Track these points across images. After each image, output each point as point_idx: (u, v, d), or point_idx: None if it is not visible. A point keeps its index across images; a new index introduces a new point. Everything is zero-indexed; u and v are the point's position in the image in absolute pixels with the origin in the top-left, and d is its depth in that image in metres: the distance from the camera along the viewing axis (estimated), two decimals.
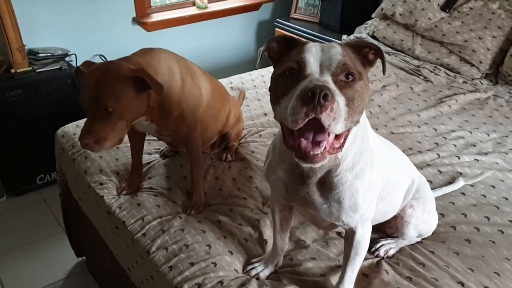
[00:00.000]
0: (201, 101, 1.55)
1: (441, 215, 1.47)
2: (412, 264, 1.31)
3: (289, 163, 1.03)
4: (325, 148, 0.85)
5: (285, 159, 1.04)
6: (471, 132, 1.99)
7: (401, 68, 2.63)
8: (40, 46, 2.72)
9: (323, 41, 3.22)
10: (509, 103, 2.28)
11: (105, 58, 3.00)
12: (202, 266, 1.28)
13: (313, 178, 1.01)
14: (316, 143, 0.85)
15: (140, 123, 1.47)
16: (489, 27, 2.52)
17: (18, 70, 2.53)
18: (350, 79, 0.86)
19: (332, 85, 0.83)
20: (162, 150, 1.82)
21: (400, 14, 2.81)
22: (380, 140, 1.18)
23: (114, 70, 1.26)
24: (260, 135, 1.96)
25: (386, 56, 2.75)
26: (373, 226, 1.17)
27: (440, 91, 2.40)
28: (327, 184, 1.01)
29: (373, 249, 1.35)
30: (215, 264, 1.29)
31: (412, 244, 1.39)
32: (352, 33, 3.16)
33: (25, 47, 2.56)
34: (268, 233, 1.43)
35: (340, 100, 0.83)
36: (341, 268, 1.18)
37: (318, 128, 0.83)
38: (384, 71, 0.98)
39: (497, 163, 1.77)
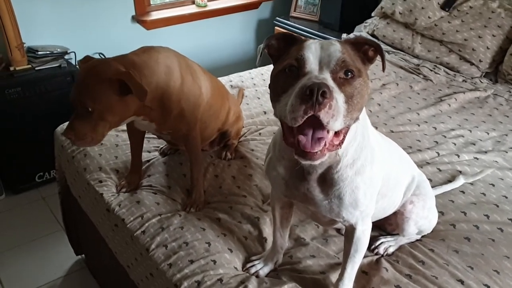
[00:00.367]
0: (201, 99, 1.55)
1: (441, 213, 1.47)
2: (412, 261, 1.31)
3: (289, 159, 1.03)
4: (324, 145, 0.85)
5: (285, 156, 1.04)
6: (470, 131, 1.99)
7: (401, 67, 2.63)
8: (39, 44, 2.71)
9: (322, 40, 3.21)
10: (508, 102, 2.28)
11: (104, 56, 2.99)
12: (202, 264, 1.28)
13: (313, 175, 1.01)
14: (316, 140, 0.85)
15: (140, 122, 1.47)
16: (488, 26, 2.52)
17: (17, 68, 2.53)
18: (349, 76, 0.86)
19: (331, 83, 0.84)
20: (162, 148, 1.82)
21: (400, 13, 2.81)
22: (381, 137, 1.18)
23: (100, 71, 1.26)
24: (259, 133, 1.96)
25: (385, 54, 2.74)
26: (372, 224, 1.17)
27: (440, 90, 2.40)
28: (327, 181, 1.01)
29: (373, 246, 1.35)
30: (214, 261, 1.29)
31: (412, 242, 1.39)
32: (352, 31, 3.16)
33: (24, 45, 2.56)
34: (267, 231, 1.43)
35: (339, 97, 0.83)
36: (341, 265, 1.18)
37: (317, 125, 0.83)
38: (383, 68, 0.98)
39: (496, 161, 1.78)
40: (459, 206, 1.52)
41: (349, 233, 1.13)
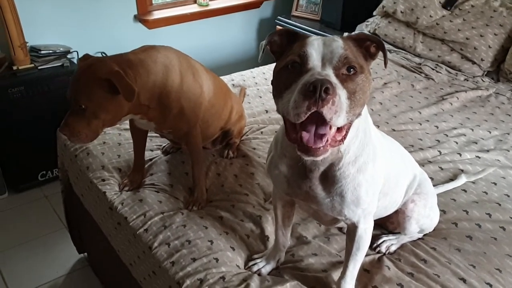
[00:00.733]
0: (202, 98, 1.56)
1: (443, 212, 1.47)
2: (414, 260, 1.31)
3: (291, 157, 1.03)
4: (327, 141, 0.86)
5: (287, 154, 1.04)
6: (472, 130, 2.00)
7: (403, 66, 2.63)
8: (42, 43, 2.71)
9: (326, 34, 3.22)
10: (510, 101, 2.28)
11: (106, 55, 3.00)
12: (204, 262, 1.28)
13: (315, 172, 1.01)
14: (318, 136, 0.85)
15: (139, 121, 1.48)
16: (490, 24, 2.52)
17: (20, 67, 2.53)
18: (351, 73, 0.87)
19: (333, 79, 0.84)
20: (164, 146, 1.83)
21: (401, 12, 2.80)
22: (382, 135, 1.19)
23: (94, 70, 1.28)
24: (261, 132, 1.97)
25: (387, 52, 2.74)
26: (374, 222, 1.17)
27: (442, 89, 2.40)
28: (329, 178, 1.01)
29: (375, 245, 1.36)
30: (217, 259, 1.29)
31: (414, 241, 1.39)
32: (353, 30, 3.16)
33: (27, 44, 2.56)
34: (269, 229, 1.43)
35: (341, 93, 0.83)
36: (343, 263, 1.18)
37: (320, 121, 0.83)
38: (385, 63, 0.98)
39: (498, 160, 1.78)
40: (461, 205, 1.52)
41: (351, 231, 1.13)
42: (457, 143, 1.90)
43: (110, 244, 1.66)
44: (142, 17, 3.14)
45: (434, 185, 1.45)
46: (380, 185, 1.09)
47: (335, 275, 1.25)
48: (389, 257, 1.33)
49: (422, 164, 1.70)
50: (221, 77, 2.07)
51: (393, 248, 1.35)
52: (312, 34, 0.97)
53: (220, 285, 1.21)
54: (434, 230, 1.40)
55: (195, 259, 1.29)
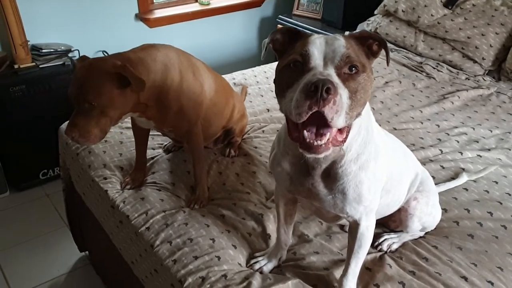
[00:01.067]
0: (203, 97, 1.56)
1: (444, 210, 1.47)
2: (415, 258, 1.31)
3: (294, 155, 1.04)
4: (328, 139, 0.86)
5: (290, 151, 1.05)
6: (474, 128, 2.00)
7: (404, 65, 2.63)
8: (43, 41, 2.72)
9: (327, 33, 3.21)
10: (511, 100, 2.28)
11: (108, 54, 3.00)
12: (206, 260, 1.28)
13: (317, 170, 1.01)
14: (320, 134, 0.86)
15: (138, 119, 1.48)
16: (492, 23, 2.52)
17: (21, 66, 2.54)
18: (353, 72, 0.87)
19: (335, 78, 0.84)
20: (166, 145, 1.83)
21: (402, 11, 2.80)
22: (384, 133, 1.19)
23: (98, 66, 1.28)
24: (263, 131, 1.97)
25: (389, 50, 2.74)
26: (376, 221, 1.17)
27: (443, 88, 2.40)
28: (331, 175, 1.02)
29: (376, 243, 1.36)
30: (219, 257, 1.29)
31: (415, 239, 1.39)
32: (355, 29, 3.16)
33: (28, 43, 2.57)
34: (271, 228, 1.43)
35: (343, 92, 0.84)
36: (345, 261, 1.18)
37: (321, 121, 0.84)
38: (387, 61, 0.98)
39: (500, 159, 1.78)
40: (462, 203, 1.52)
41: (353, 229, 1.13)
42: (458, 142, 1.90)
43: (111, 242, 1.66)
44: (143, 15, 3.14)
45: (435, 184, 1.45)
46: (382, 182, 1.09)
47: (337, 273, 1.25)
48: (391, 256, 1.33)
49: (423, 163, 1.70)
50: (222, 76, 2.07)
51: (394, 247, 1.35)
52: (314, 33, 0.97)
53: (222, 283, 1.21)
54: (435, 228, 1.41)
55: (197, 257, 1.29)
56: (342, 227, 1.43)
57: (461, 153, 1.80)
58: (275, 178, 1.17)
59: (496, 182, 1.63)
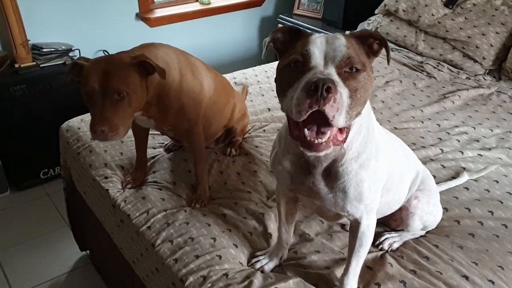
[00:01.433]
0: (203, 96, 1.56)
1: (445, 210, 1.47)
2: (416, 257, 1.31)
3: (295, 154, 1.04)
4: (329, 137, 0.87)
5: (291, 150, 1.05)
6: (474, 128, 2.00)
7: (404, 64, 2.63)
8: (44, 41, 2.72)
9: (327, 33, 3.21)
10: None
11: (108, 54, 3.00)
12: (207, 259, 1.29)
13: (318, 168, 1.02)
14: (321, 132, 0.86)
15: (139, 117, 1.48)
16: (492, 23, 2.52)
17: (22, 65, 2.54)
18: (354, 71, 0.87)
19: (335, 77, 0.85)
20: (167, 144, 1.83)
21: (403, 10, 2.80)
22: (385, 132, 1.19)
23: (118, 59, 1.29)
24: (264, 130, 1.97)
25: (390, 49, 2.74)
26: (377, 220, 1.17)
27: (443, 87, 2.40)
28: (332, 174, 1.02)
29: (377, 242, 1.36)
30: (220, 256, 1.29)
31: (416, 238, 1.39)
32: (355, 29, 3.16)
33: (29, 42, 2.57)
34: (272, 227, 1.43)
35: (343, 91, 0.84)
36: (346, 260, 1.18)
37: (322, 120, 0.84)
38: (388, 60, 0.99)
39: (500, 158, 1.78)
40: (463, 203, 1.52)
41: (354, 227, 1.13)
42: (459, 141, 1.90)
43: (112, 241, 1.66)
44: (144, 15, 3.14)
45: (436, 183, 1.46)
46: (383, 181, 1.09)
47: (338, 272, 1.25)
48: (392, 255, 1.33)
49: (424, 162, 1.70)
50: (223, 75, 2.07)
51: (395, 246, 1.35)
52: (315, 33, 0.97)
53: (223, 282, 1.21)
54: (436, 227, 1.41)
55: (198, 256, 1.29)
56: (343, 226, 1.43)
57: (462, 153, 1.80)
58: (276, 177, 1.17)
59: (497, 181, 1.63)
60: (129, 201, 1.54)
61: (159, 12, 3.23)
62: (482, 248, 1.34)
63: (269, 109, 2.14)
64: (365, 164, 1.02)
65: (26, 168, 2.69)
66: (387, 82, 2.43)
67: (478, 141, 1.90)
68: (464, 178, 1.61)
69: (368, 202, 1.05)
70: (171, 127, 1.54)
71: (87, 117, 1.97)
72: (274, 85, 0.96)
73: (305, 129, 0.86)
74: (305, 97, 0.82)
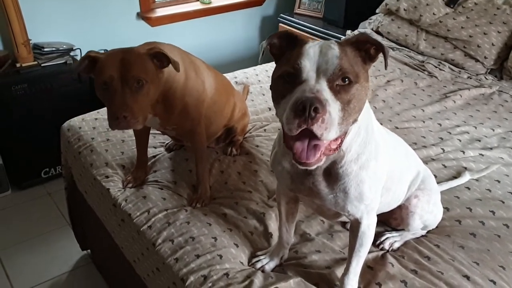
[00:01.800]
0: (205, 95, 1.56)
1: (446, 209, 1.47)
2: (417, 257, 1.31)
3: None
4: (319, 151, 0.88)
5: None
6: (475, 127, 1.99)
7: (406, 64, 2.63)
8: (45, 40, 2.72)
9: (327, 37, 3.22)
10: None
11: None
12: (208, 258, 1.29)
13: (318, 169, 1.02)
14: (311, 148, 0.87)
15: None
16: (494, 22, 2.51)
17: (23, 65, 2.54)
18: (346, 83, 0.87)
19: (326, 93, 0.84)
20: (167, 143, 1.83)
21: (404, 10, 2.80)
22: (386, 131, 1.19)
23: (135, 50, 1.32)
24: (264, 130, 1.97)
25: (390, 51, 2.74)
26: (377, 219, 1.17)
27: (445, 86, 2.40)
28: (332, 175, 1.02)
29: (378, 242, 1.36)
30: (220, 256, 1.29)
31: (417, 238, 1.39)
32: (356, 28, 3.16)
33: (30, 42, 2.57)
34: (273, 226, 1.43)
35: (334, 106, 0.84)
36: (347, 260, 1.18)
37: (313, 135, 0.85)
38: (386, 66, 0.97)
39: (502, 158, 1.77)
40: (464, 202, 1.52)
41: (354, 227, 1.13)
42: (460, 140, 1.89)
43: (113, 241, 1.66)
44: (145, 14, 3.14)
45: (437, 183, 1.45)
46: (383, 181, 1.10)
47: (339, 272, 1.25)
48: (393, 254, 1.33)
49: (425, 161, 1.70)
50: (224, 75, 2.07)
51: (396, 245, 1.35)
52: (310, 39, 0.96)
53: (224, 282, 1.21)
54: (437, 227, 1.41)
55: (199, 256, 1.29)
56: (344, 224, 1.43)
57: (463, 152, 1.80)
58: (276, 176, 1.17)
59: (498, 181, 1.63)
60: (130, 200, 1.54)
61: (160, 12, 3.23)
62: (484, 248, 1.33)
63: (270, 109, 2.13)
64: (365, 165, 1.02)
65: (27, 167, 2.70)
66: (388, 81, 2.43)
67: (479, 140, 1.90)
68: (465, 177, 1.61)
69: (369, 202, 1.05)
70: (175, 126, 1.54)
71: (88, 116, 1.97)
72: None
73: (296, 144, 0.87)
74: (294, 116, 0.83)
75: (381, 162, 1.06)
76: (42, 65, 2.58)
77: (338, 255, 1.33)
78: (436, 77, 2.49)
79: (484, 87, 2.37)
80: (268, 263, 1.30)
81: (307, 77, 0.87)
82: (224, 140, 1.83)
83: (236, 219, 1.45)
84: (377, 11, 3.06)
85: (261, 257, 1.32)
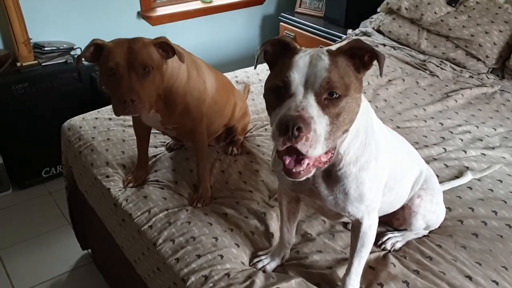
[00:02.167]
0: (206, 95, 1.55)
1: (448, 209, 1.46)
2: (419, 257, 1.30)
3: None
4: (308, 164, 0.88)
5: None
6: (477, 127, 1.98)
7: (407, 63, 2.62)
8: (45, 39, 2.72)
9: (327, 35, 3.21)
10: None
11: None
12: (209, 258, 1.28)
13: (317, 172, 1.01)
14: (299, 161, 0.88)
15: (146, 113, 1.47)
16: (495, 21, 2.50)
17: (23, 64, 2.54)
18: (335, 96, 0.86)
19: (312, 109, 0.84)
20: (168, 143, 1.82)
21: (405, 8, 2.79)
22: (388, 130, 1.18)
23: (142, 40, 1.35)
24: (265, 129, 1.96)
25: (391, 51, 2.73)
26: (379, 219, 1.16)
27: (446, 86, 2.39)
28: (332, 177, 1.02)
29: (380, 242, 1.35)
30: (221, 256, 1.29)
31: (419, 238, 1.38)
32: (357, 27, 3.15)
33: (31, 41, 2.57)
34: (274, 226, 1.43)
35: (320, 124, 0.84)
36: (348, 260, 1.18)
37: (299, 151, 0.85)
38: (381, 73, 0.96)
39: (504, 157, 1.77)
40: (466, 202, 1.51)
41: (356, 228, 1.13)
42: (462, 140, 1.89)
43: (114, 240, 1.66)
44: (145, 13, 3.14)
45: (439, 183, 1.45)
46: (384, 181, 1.09)
47: (340, 272, 1.24)
48: (395, 254, 1.32)
49: (427, 161, 1.69)
50: (225, 74, 2.06)
51: (398, 245, 1.35)
52: (302, 48, 0.95)
53: (225, 282, 1.21)
54: (439, 227, 1.40)
55: (200, 256, 1.29)
56: (345, 225, 1.43)
57: (465, 152, 1.79)
58: (278, 177, 1.17)
59: (501, 181, 1.62)
60: (131, 200, 1.53)
61: (161, 11, 3.23)
62: (486, 248, 1.33)
63: None
64: (365, 167, 1.01)
65: (28, 166, 2.69)
66: (390, 80, 2.42)
67: (481, 140, 1.89)
68: (467, 177, 1.60)
69: (369, 202, 1.05)
70: (176, 126, 1.54)
71: (88, 116, 1.97)
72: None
73: (285, 157, 0.88)
74: (278, 134, 0.83)
75: (382, 163, 1.05)
76: (43, 64, 2.57)
77: (339, 255, 1.32)
78: (437, 76, 2.48)
79: (486, 86, 2.36)
80: (269, 263, 1.29)
81: (295, 91, 0.86)
82: (225, 139, 1.83)
83: (237, 219, 1.45)
84: (378, 10, 3.05)
85: (262, 257, 1.31)
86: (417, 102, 2.22)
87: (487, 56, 2.48)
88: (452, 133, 1.94)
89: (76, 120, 1.94)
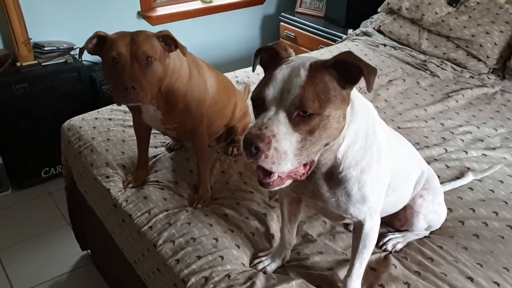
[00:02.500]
0: (207, 95, 1.55)
1: (449, 210, 1.46)
2: (421, 258, 1.30)
3: None
4: (279, 177, 0.90)
5: None
6: (478, 127, 1.98)
7: (408, 63, 2.61)
8: (45, 39, 2.71)
9: (328, 35, 3.21)
10: None
11: None
12: (209, 260, 1.28)
13: (317, 174, 1.01)
14: (268, 173, 0.89)
15: (147, 110, 1.47)
16: (496, 21, 2.50)
17: (23, 64, 2.53)
18: (306, 114, 0.85)
19: (278, 127, 0.84)
20: (168, 143, 1.82)
21: (406, 9, 2.79)
22: (390, 131, 1.18)
23: (144, 31, 1.35)
24: None
25: (391, 51, 2.71)
26: (381, 220, 1.16)
27: (447, 86, 2.39)
28: (334, 179, 1.01)
29: (381, 243, 1.35)
30: (222, 257, 1.28)
31: (420, 239, 1.38)
32: (358, 27, 3.14)
33: (31, 41, 2.56)
34: (274, 227, 1.42)
35: (285, 141, 0.84)
36: (349, 261, 1.17)
37: None
38: (368, 88, 0.88)
39: (505, 158, 1.76)
40: (467, 203, 1.51)
41: (358, 229, 1.12)
42: (463, 140, 1.88)
43: (114, 241, 1.65)
44: (145, 13, 3.13)
45: (440, 183, 1.44)
46: (387, 182, 1.09)
47: (341, 273, 1.24)
48: (396, 256, 1.32)
49: (428, 162, 1.68)
50: (225, 74, 2.06)
51: (399, 246, 1.34)
52: (290, 56, 0.96)
53: (226, 283, 1.20)
54: (440, 228, 1.40)
55: (200, 257, 1.28)
56: (346, 226, 1.42)
57: (466, 152, 1.79)
58: None
59: (502, 182, 1.62)
60: (131, 200, 1.53)
61: (161, 11, 3.22)
62: (487, 249, 1.32)
63: None
64: (366, 170, 1.01)
65: (28, 166, 2.69)
66: (390, 80, 2.41)
67: (482, 140, 1.89)
68: (468, 178, 1.60)
69: (371, 204, 1.04)
70: (176, 125, 1.53)
71: (88, 116, 1.96)
72: None
73: (257, 167, 0.89)
74: (243, 149, 0.85)
75: (384, 165, 1.04)
76: (43, 64, 2.57)
77: (340, 256, 1.32)
78: (438, 76, 2.48)
79: (487, 86, 2.36)
80: (270, 264, 1.29)
81: (268, 106, 0.88)
82: (225, 139, 1.82)
83: (238, 220, 1.44)
84: (378, 10, 3.04)
85: (263, 258, 1.31)
86: (418, 102, 2.21)
87: (487, 57, 2.48)
88: (453, 133, 1.94)
89: (76, 120, 1.94)
